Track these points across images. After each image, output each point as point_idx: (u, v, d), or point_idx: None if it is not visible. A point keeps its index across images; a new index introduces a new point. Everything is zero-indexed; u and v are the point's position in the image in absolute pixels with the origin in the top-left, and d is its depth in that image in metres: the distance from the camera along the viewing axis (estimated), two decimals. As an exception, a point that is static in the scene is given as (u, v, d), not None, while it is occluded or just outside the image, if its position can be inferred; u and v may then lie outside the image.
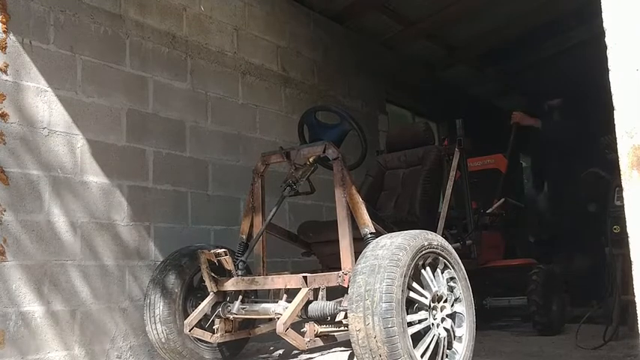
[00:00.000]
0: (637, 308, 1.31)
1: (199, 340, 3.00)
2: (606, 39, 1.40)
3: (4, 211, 2.85)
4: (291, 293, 2.68)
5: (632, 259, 1.32)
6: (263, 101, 4.56)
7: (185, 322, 2.86)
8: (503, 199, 5.05)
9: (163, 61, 3.81)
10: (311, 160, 2.92)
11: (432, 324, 2.42)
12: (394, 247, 2.30)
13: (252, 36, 4.54)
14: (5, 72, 2.94)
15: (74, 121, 3.23)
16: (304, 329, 2.55)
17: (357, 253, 2.49)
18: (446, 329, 2.48)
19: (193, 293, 3.09)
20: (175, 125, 3.84)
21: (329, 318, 2.52)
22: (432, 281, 2.48)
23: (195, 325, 2.86)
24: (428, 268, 2.49)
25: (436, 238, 2.53)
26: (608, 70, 1.39)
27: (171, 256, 3.17)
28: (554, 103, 5.78)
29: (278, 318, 2.55)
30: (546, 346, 3.63)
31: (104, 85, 3.42)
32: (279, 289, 2.80)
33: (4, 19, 2.96)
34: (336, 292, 2.61)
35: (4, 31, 2.96)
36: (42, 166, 3.05)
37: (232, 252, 2.99)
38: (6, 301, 2.80)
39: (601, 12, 1.42)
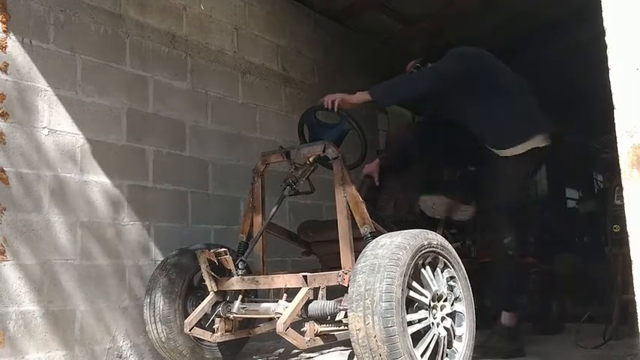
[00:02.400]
0: (637, 307, 1.31)
1: (199, 339, 3.00)
2: (606, 38, 1.40)
3: (4, 210, 2.85)
4: (291, 293, 2.68)
5: (632, 258, 1.32)
6: (263, 101, 4.56)
7: (185, 321, 2.86)
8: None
9: (163, 60, 3.81)
10: (311, 159, 2.92)
11: (432, 323, 2.42)
12: (394, 247, 2.30)
13: (252, 35, 4.54)
14: (5, 71, 2.95)
15: (74, 120, 3.23)
16: (304, 329, 2.55)
17: (357, 252, 2.49)
18: (446, 328, 2.48)
19: (193, 292, 3.09)
20: (175, 125, 3.85)
21: (329, 317, 2.52)
22: (431, 280, 2.48)
23: (196, 325, 2.86)
24: (428, 267, 2.49)
25: (436, 238, 2.54)
26: (608, 70, 1.40)
27: (171, 255, 3.17)
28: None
29: (278, 317, 2.55)
30: (546, 345, 3.63)
31: (104, 85, 3.42)
32: (279, 288, 2.80)
33: (4, 19, 2.96)
34: (336, 292, 2.62)
35: (4, 31, 2.96)
36: (42, 165, 3.05)
37: (232, 251, 3.00)
38: (6, 300, 2.80)
39: (601, 11, 1.42)
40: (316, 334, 2.54)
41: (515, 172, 3.35)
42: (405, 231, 2.47)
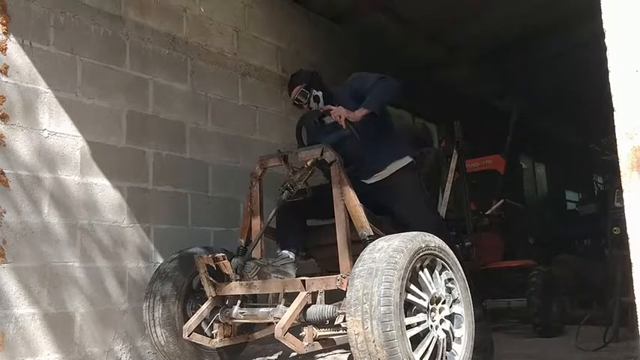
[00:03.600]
0: (637, 310, 1.31)
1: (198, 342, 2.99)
2: (606, 40, 1.40)
3: (4, 212, 2.85)
4: (290, 297, 2.67)
5: (632, 260, 1.32)
6: (263, 103, 4.56)
7: (184, 326, 2.84)
8: (502, 200, 5.05)
9: (163, 62, 3.81)
10: (309, 163, 2.91)
11: (431, 326, 2.41)
12: (391, 250, 2.30)
13: (252, 37, 4.55)
14: (5, 73, 2.94)
15: (74, 122, 3.23)
16: (303, 333, 2.54)
17: (355, 256, 2.48)
18: (445, 331, 2.47)
19: (193, 296, 3.08)
20: (175, 126, 3.84)
21: (327, 322, 2.51)
22: (430, 283, 2.47)
23: (195, 330, 2.85)
24: (426, 270, 2.48)
25: (434, 240, 2.53)
26: (608, 72, 1.39)
27: (171, 257, 3.16)
28: None
29: (277, 322, 2.54)
30: (546, 347, 3.63)
31: (104, 87, 3.42)
32: (278, 292, 2.79)
33: (4, 21, 2.96)
34: (337, 295, 2.60)
35: (4, 33, 2.96)
36: (42, 167, 3.04)
37: (231, 255, 2.99)
38: (5, 303, 2.80)
39: (601, 13, 1.42)
40: (315, 339, 2.53)
41: (408, 187, 3.31)
42: (402, 234, 2.46)
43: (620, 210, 2.31)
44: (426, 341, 2.36)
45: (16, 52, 3.00)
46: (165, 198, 3.69)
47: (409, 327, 2.30)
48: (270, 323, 2.84)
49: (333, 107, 3.14)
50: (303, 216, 3.17)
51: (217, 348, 3.01)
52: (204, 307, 2.86)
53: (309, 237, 3.21)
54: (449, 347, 2.50)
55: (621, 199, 1.94)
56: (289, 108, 4.77)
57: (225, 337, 2.89)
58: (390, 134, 3.32)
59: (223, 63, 4.26)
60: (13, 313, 2.82)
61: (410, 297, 2.35)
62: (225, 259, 2.76)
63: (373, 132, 3.19)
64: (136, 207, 3.49)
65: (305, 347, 2.50)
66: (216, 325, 2.87)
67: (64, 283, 3.07)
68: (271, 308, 2.72)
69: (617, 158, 1.36)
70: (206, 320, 2.89)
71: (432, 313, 2.45)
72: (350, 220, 2.69)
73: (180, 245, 3.40)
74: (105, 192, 3.34)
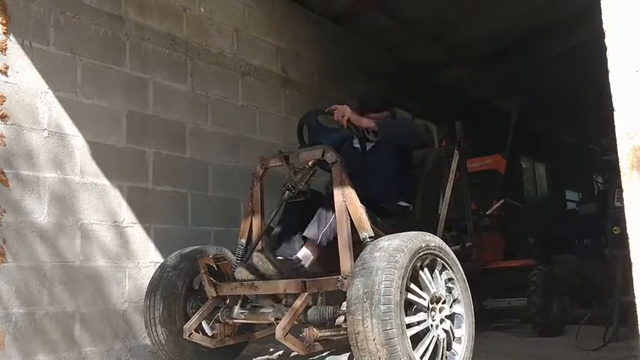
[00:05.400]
0: (637, 309, 1.31)
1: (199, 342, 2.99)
2: (606, 40, 1.40)
3: (4, 212, 2.85)
4: (291, 297, 2.67)
5: (632, 260, 1.32)
6: (263, 103, 4.56)
7: (184, 327, 2.84)
8: (502, 200, 5.05)
9: (163, 62, 3.81)
10: (310, 163, 2.91)
11: (431, 325, 2.41)
12: (392, 249, 2.30)
13: (252, 37, 4.55)
14: (5, 73, 2.95)
15: (74, 122, 3.24)
16: (303, 334, 2.54)
17: (357, 256, 2.48)
18: (445, 330, 2.47)
19: (193, 295, 3.08)
20: (175, 126, 3.85)
21: (328, 322, 2.51)
22: (430, 282, 2.47)
23: (195, 329, 2.85)
24: (426, 270, 2.48)
25: (434, 240, 2.53)
26: (608, 72, 1.39)
27: (171, 257, 3.16)
28: None
29: (277, 323, 2.54)
30: (547, 347, 3.63)
31: (104, 87, 3.43)
32: (279, 293, 2.79)
33: (4, 21, 2.96)
34: (338, 296, 2.60)
35: (4, 33, 2.96)
36: (42, 167, 3.05)
37: (232, 254, 2.98)
38: (5, 302, 2.80)
39: (601, 14, 1.42)
40: (315, 340, 2.52)
41: None
42: (403, 233, 2.46)
43: (620, 209, 2.32)
44: (426, 340, 2.36)
45: (16, 52, 3.01)
46: (165, 198, 3.70)
47: (409, 326, 2.30)
48: (271, 323, 2.84)
49: (338, 106, 3.16)
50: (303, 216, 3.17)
51: (217, 347, 3.02)
52: (205, 307, 2.86)
53: None
54: (449, 347, 2.49)
55: (621, 199, 1.94)
56: (289, 108, 4.78)
57: (225, 337, 2.89)
58: (396, 177, 3.32)
59: (223, 63, 4.26)
60: (13, 312, 2.83)
61: (410, 296, 2.35)
62: (225, 260, 2.76)
63: (385, 162, 3.22)
64: (135, 207, 3.50)
65: (305, 348, 2.50)
66: (216, 324, 2.87)
67: (64, 283, 3.07)
68: (272, 309, 2.72)
69: (617, 158, 1.37)
70: (207, 320, 2.89)
71: (432, 313, 2.45)
72: (351, 221, 2.69)
73: (181, 245, 3.40)
74: (105, 192, 3.35)
